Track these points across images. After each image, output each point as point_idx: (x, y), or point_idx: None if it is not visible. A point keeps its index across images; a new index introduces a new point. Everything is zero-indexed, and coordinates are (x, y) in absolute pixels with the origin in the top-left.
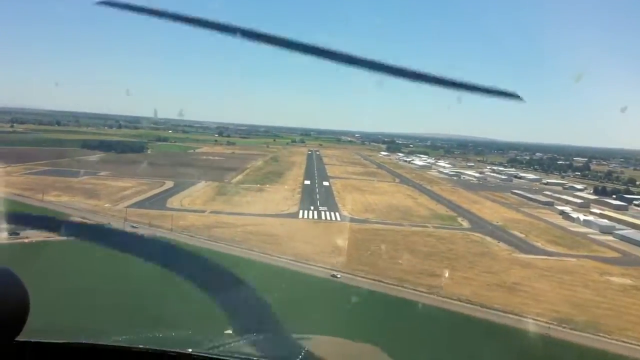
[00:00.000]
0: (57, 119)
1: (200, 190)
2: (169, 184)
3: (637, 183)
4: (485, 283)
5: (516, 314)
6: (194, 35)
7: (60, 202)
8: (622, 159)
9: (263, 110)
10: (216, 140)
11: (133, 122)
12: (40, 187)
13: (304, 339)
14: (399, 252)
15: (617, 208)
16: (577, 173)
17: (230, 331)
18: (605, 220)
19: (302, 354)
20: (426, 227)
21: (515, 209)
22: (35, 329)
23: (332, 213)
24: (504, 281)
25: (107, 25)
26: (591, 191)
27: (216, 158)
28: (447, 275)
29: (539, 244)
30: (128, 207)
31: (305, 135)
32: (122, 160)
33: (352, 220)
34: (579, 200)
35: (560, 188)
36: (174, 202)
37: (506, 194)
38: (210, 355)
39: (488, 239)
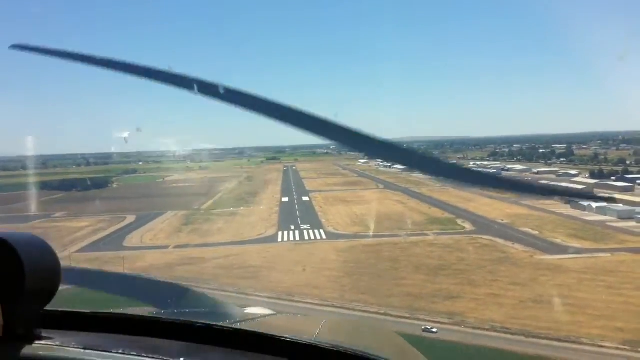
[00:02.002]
0: (22, 164)
1: (164, 222)
2: (130, 218)
3: (628, 162)
4: (519, 300)
5: (574, 342)
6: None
7: None
8: (599, 141)
9: (234, 133)
10: (188, 167)
11: (103, 159)
12: None
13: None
14: (398, 270)
15: (623, 190)
16: (562, 159)
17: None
18: (620, 205)
19: (319, 330)
20: (426, 235)
21: (515, 203)
22: (64, 298)
23: (316, 231)
24: (540, 295)
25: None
26: (587, 175)
27: (186, 185)
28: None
29: (558, 241)
30: (77, 251)
31: (280, 152)
32: (82, 198)
33: (341, 236)
34: (580, 187)
35: (554, 176)
36: (133, 239)
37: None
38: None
39: (499, 241)
